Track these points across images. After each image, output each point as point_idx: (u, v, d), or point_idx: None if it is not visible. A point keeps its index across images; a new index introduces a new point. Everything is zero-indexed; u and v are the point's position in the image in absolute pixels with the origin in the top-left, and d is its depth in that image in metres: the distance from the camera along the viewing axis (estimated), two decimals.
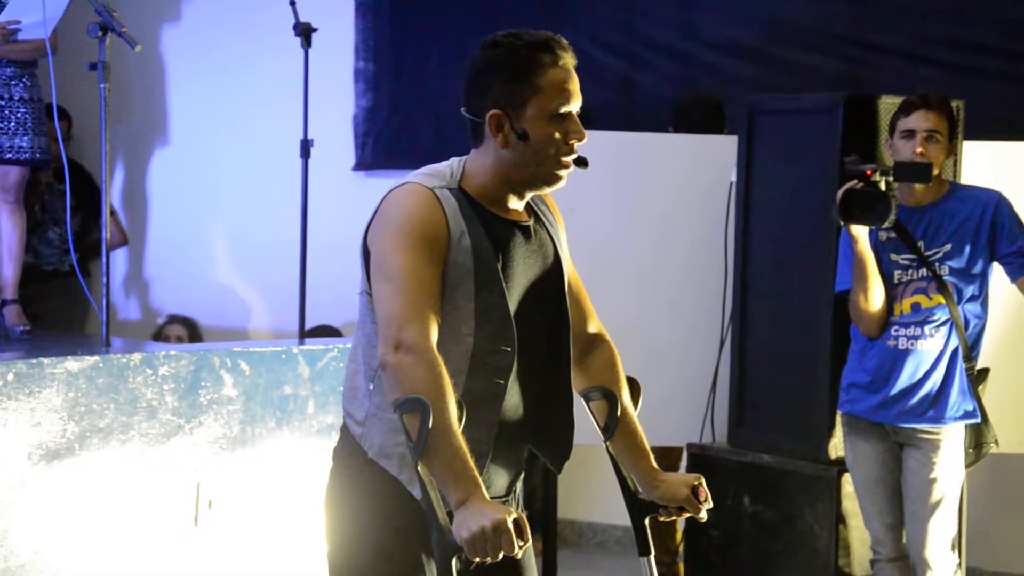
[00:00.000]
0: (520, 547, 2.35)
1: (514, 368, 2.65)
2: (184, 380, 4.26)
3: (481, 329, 2.61)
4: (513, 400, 2.68)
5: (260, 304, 6.78)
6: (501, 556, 2.35)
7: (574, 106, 2.64)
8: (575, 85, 2.65)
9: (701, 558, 5.17)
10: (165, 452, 4.23)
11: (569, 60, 2.65)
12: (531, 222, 2.72)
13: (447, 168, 2.68)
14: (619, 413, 2.78)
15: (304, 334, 5.15)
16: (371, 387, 2.65)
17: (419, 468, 2.39)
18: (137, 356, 4.21)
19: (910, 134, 4.25)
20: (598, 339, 2.86)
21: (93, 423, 4.09)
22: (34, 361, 4.00)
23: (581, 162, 2.68)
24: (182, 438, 4.26)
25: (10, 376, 3.94)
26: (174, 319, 6.70)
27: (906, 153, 4.24)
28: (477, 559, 2.35)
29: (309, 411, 4.51)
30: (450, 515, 2.40)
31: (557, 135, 2.62)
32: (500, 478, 2.70)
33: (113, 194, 7.01)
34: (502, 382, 2.64)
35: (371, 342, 2.64)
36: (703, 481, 2.77)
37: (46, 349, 4.54)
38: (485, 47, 2.67)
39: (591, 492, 6.26)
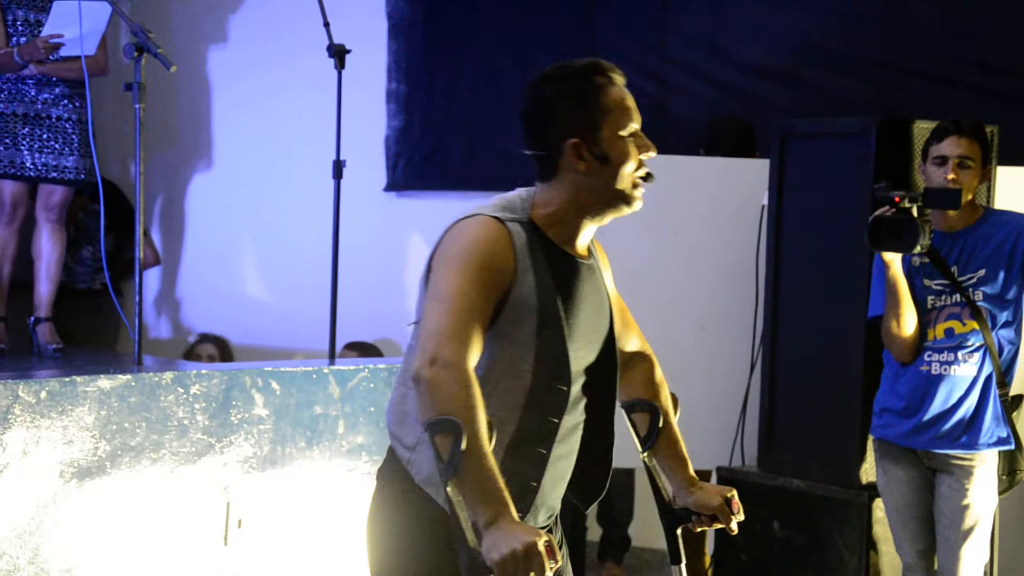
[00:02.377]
0: (551, 569, 2.35)
1: (568, 407, 2.66)
2: (215, 399, 4.27)
3: (540, 367, 2.62)
4: (569, 439, 2.69)
5: (292, 323, 6.79)
6: None
7: (638, 122, 2.66)
8: (633, 101, 2.67)
9: None
10: (196, 471, 4.24)
11: (620, 79, 2.67)
12: (591, 260, 2.73)
13: (517, 199, 2.67)
14: (661, 423, 2.82)
15: (335, 353, 5.16)
16: None
17: (448, 489, 2.39)
18: (169, 375, 4.23)
19: (942, 160, 4.24)
20: (640, 353, 2.91)
21: (124, 441, 4.11)
22: (67, 379, 4.02)
23: (648, 176, 2.69)
24: (213, 457, 4.27)
25: (43, 394, 3.96)
26: (205, 338, 6.72)
27: (938, 179, 4.23)
28: None
29: (339, 431, 4.52)
30: (478, 536, 2.40)
31: (633, 151, 2.64)
32: (542, 513, 2.71)
33: (149, 213, 7.05)
34: (556, 420, 2.64)
35: None
36: (735, 494, 2.83)
37: (78, 367, 4.57)
38: (537, 84, 2.67)
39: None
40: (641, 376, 2.89)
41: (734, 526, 2.82)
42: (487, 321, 2.54)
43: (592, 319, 2.71)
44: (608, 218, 2.69)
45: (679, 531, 2.85)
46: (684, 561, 2.86)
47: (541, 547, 2.34)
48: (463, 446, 2.37)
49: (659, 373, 2.90)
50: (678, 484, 2.84)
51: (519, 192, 2.70)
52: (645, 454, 2.84)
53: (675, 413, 2.89)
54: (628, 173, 2.64)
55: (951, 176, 4.20)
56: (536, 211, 2.65)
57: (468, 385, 2.43)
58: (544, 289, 2.60)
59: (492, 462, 2.41)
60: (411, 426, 2.66)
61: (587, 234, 2.70)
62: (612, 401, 2.76)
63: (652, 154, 2.66)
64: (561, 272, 2.64)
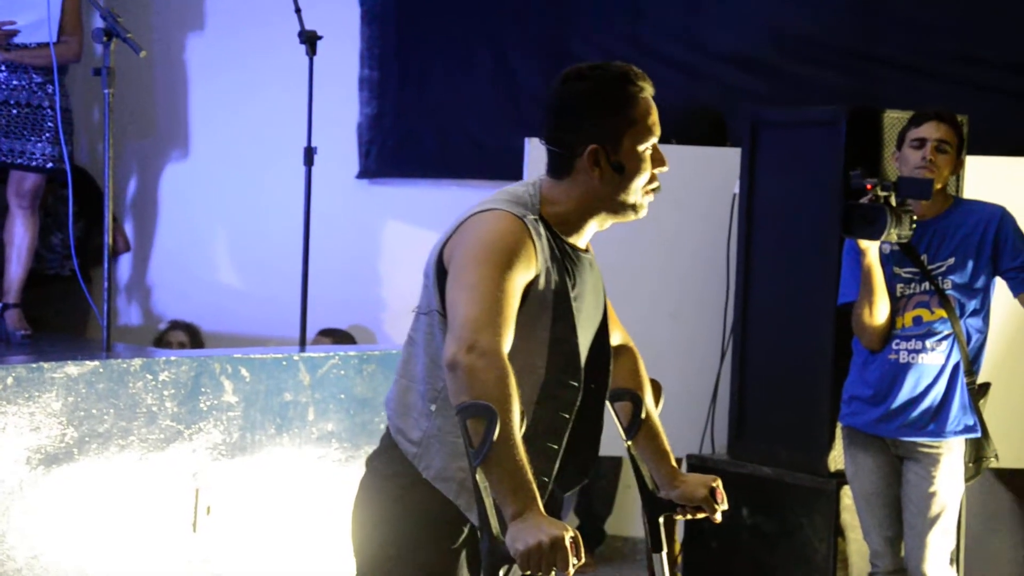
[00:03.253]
0: (575, 566, 2.34)
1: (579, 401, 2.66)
2: (184, 386, 4.26)
3: (553, 362, 2.62)
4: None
5: (262, 310, 6.78)
6: (552, 573, 2.34)
7: (657, 136, 2.68)
8: (656, 115, 2.68)
9: (700, 569, 5.16)
10: (164, 458, 4.23)
11: (650, 91, 2.68)
12: (591, 255, 2.75)
13: (524, 194, 2.67)
14: (643, 416, 2.84)
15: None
16: (432, 408, 2.63)
17: (477, 475, 2.38)
18: (137, 361, 4.21)
19: (920, 143, 4.25)
20: (624, 346, 2.92)
21: (92, 428, 4.09)
22: (34, 365, 4.01)
23: (656, 189, 2.72)
24: (181, 444, 4.26)
25: (10, 380, 3.94)
26: (176, 325, 6.70)
27: (915, 161, 4.24)
28: (528, 573, 2.34)
29: (309, 418, 4.51)
30: (502, 525, 2.39)
31: (648, 166, 2.65)
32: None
33: (121, 200, 7.01)
34: (567, 416, 2.65)
35: (436, 362, 2.60)
36: (720, 483, 2.84)
37: (46, 353, 4.55)
38: (570, 79, 2.66)
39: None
40: (624, 367, 2.90)
41: (719, 516, 2.84)
42: (515, 312, 2.52)
43: (591, 313, 2.73)
44: (610, 223, 2.71)
45: (661, 519, 2.85)
46: (665, 549, 2.86)
47: (567, 542, 2.33)
48: (495, 435, 2.35)
49: (642, 366, 2.91)
50: (661, 477, 2.86)
51: (525, 187, 2.69)
52: (629, 443, 2.86)
53: (658, 403, 2.91)
54: (638, 186, 2.65)
55: (929, 157, 4.22)
56: (544, 207, 2.66)
57: (505, 374, 2.42)
58: (560, 285, 2.62)
59: (523, 453, 2.39)
60: (415, 420, 2.65)
61: (589, 233, 2.72)
62: (603, 392, 2.77)
63: (664, 169, 2.67)
64: (570, 266, 2.65)
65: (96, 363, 4.12)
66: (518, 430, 2.40)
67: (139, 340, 6.59)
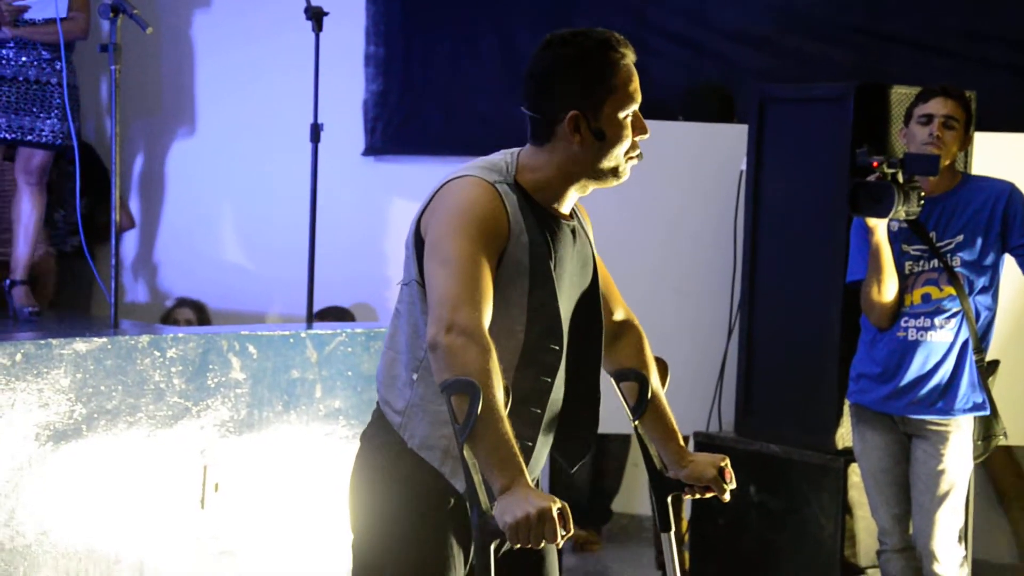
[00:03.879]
0: (562, 536, 2.36)
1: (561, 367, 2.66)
2: (192, 363, 4.26)
3: (532, 327, 2.62)
4: (554, 397, 2.70)
5: (269, 287, 6.78)
6: (542, 544, 2.36)
7: (639, 103, 2.67)
8: (638, 82, 2.67)
9: (707, 546, 5.17)
10: (172, 434, 4.23)
11: (633, 57, 2.67)
12: (574, 222, 2.74)
13: (502, 162, 2.67)
14: (649, 396, 2.83)
15: (314, 316, 5.14)
16: (414, 377, 2.65)
17: (463, 451, 2.39)
18: (145, 338, 4.21)
19: (928, 119, 4.24)
20: (627, 324, 2.91)
21: (101, 405, 4.09)
22: (42, 342, 4.00)
23: (639, 156, 2.71)
24: (189, 421, 4.26)
25: (18, 357, 3.94)
26: (183, 302, 6.70)
27: (922, 137, 4.23)
28: (518, 545, 2.35)
29: (316, 395, 4.51)
30: (491, 499, 2.41)
31: (629, 133, 2.65)
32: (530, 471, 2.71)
33: (126, 177, 7.00)
34: (549, 379, 2.65)
35: (418, 331, 2.63)
36: (728, 462, 2.84)
37: (54, 330, 4.55)
38: (552, 46, 2.65)
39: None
40: (629, 346, 2.89)
41: (727, 496, 2.84)
42: (492, 282, 2.54)
43: (576, 280, 2.72)
44: (591, 188, 2.71)
45: (669, 499, 2.86)
46: (673, 528, 2.86)
47: (555, 513, 2.34)
48: (479, 409, 2.37)
49: (647, 345, 2.91)
50: (669, 457, 2.86)
51: (503, 155, 2.69)
52: (636, 423, 2.86)
53: (664, 382, 2.90)
54: (619, 153, 2.65)
55: (937, 133, 4.20)
56: (522, 174, 2.66)
57: (486, 350, 2.44)
58: (536, 249, 2.61)
59: (508, 427, 2.41)
60: (400, 390, 2.67)
61: (571, 200, 2.72)
62: (597, 362, 2.77)
63: (645, 136, 2.67)
64: (549, 233, 2.65)
65: (104, 340, 4.11)
66: (502, 405, 2.42)
67: (146, 317, 6.59)
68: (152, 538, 4.22)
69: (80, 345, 4.06)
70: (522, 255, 2.60)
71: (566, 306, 2.69)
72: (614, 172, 2.67)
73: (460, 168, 2.66)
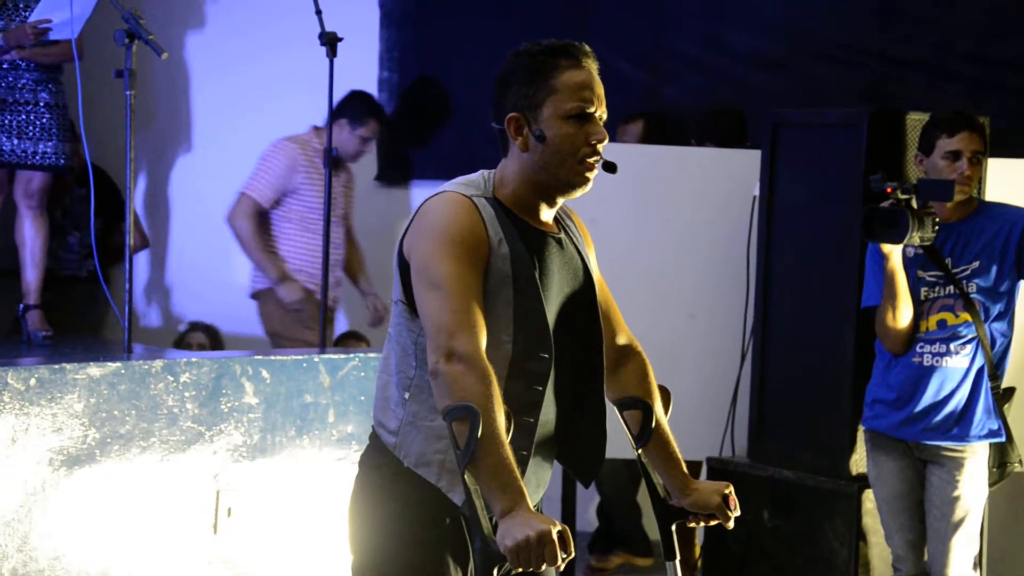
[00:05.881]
0: (563, 559, 2.36)
1: (551, 377, 2.66)
2: (205, 387, 4.26)
3: (520, 336, 2.63)
4: (547, 411, 2.69)
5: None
6: (543, 567, 2.37)
7: (595, 108, 2.65)
8: (596, 88, 2.66)
9: (720, 572, 5.14)
10: (185, 459, 4.23)
11: (590, 64, 2.67)
12: (561, 235, 2.74)
13: (479, 179, 2.70)
14: (653, 424, 2.81)
15: (326, 342, 5.15)
16: (406, 396, 2.66)
17: (465, 477, 2.41)
18: (159, 363, 4.21)
19: (955, 155, 4.22)
20: (629, 350, 2.89)
21: (114, 429, 4.09)
22: (56, 367, 4.01)
23: (609, 167, 2.69)
24: (202, 445, 4.26)
25: (32, 381, 3.95)
26: (196, 326, 6.70)
27: (949, 174, 4.21)
28: (520, 569, 2.36)
29: (329, 420, 4.51)
30: (494, 525, 2.41)
31: (575, 135, 2.63)
32: (530, 486, 2.70)
33: (135, 199, 7.01)
34: (540, 388, 2.66)
35: (406, 351, 2.65)
36: (732, 489, 2.83)
37: (68, 355, 4.55)
38: (508, 57, 2.70)
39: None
40: (632, 374, 2.87)
41: (731, 523, 2.83)
42: (482, 299, 2.56)
43: (566, 289, 2.71)
44: (560, 199, 2.70)
45: (674, 527, 2.84)
46: (679, 556, 2.85)
47: (555, 536, 2.36)
48: (480, 434, 2.38)
49: (651, 373, 2.89)
50: (674, 486, 2.84)
51: (481, 173, 2.72)
52: (640, 451, 2.84)
53: (667, 410, 2.88)
54: (569, 156, 2.63)
55: (968, 173, 4.20)
56: (499, 189, 2.68)
57: (485, 376, 2.46)
58: (518, 257, 2.62)
59: (509, 452, 2.43)
60: (392, 411, 2.68)
61: (546, 212, 2.72)
62: (600, 376, 2.76)
63: (601, 140, 2.64)
64: (531, 243, 2.66)
65: (118, 364, 4.12)
66: (503, 429, 2.43)
67: (159, 342, 6.59)
68: (165, 563, 4.21)
69: (94, 370, 4.06)
70: (503, 264, 2.61)
71: (555, 315, 2.68)
72: (568, 179, 2.65)
73: (441, 187, 2.69)
